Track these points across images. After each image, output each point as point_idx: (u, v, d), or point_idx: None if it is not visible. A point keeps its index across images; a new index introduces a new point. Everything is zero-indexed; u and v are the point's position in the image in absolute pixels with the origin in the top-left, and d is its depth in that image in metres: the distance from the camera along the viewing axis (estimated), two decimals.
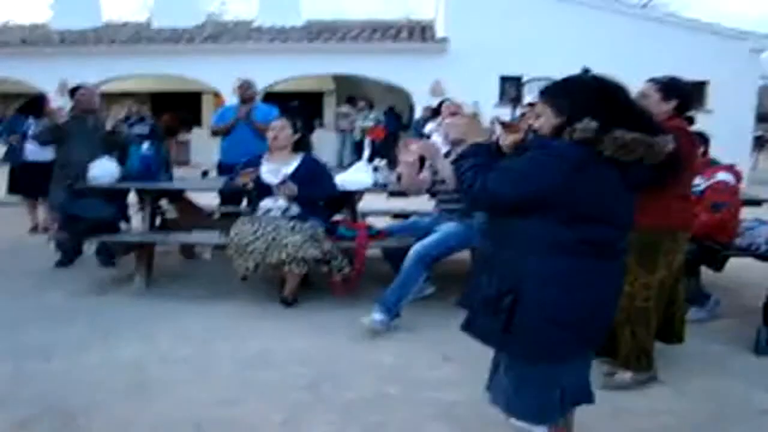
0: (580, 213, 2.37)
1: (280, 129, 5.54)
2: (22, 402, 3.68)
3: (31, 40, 18.56)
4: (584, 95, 2.45)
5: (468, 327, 2.66)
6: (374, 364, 4.26)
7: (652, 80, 3.92)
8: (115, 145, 6.52)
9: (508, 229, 2.49)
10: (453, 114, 5.49)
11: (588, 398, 2.71)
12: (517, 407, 2.60)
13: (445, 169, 5.06)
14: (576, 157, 2.34)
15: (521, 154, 2.53)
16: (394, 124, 18.64)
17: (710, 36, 16.23)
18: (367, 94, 20.14)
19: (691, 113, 4.08)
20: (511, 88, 16.60)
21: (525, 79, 16.30)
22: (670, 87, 3.89)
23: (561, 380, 2.55)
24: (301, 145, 5.66)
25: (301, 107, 18.26)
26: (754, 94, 16.69)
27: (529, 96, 8.31)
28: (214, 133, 7.68)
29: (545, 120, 2.51)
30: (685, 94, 3.92)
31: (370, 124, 17.71)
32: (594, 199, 2.37)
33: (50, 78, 16.74)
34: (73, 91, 6.83)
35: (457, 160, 2.62)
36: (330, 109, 20.51)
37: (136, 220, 7.17)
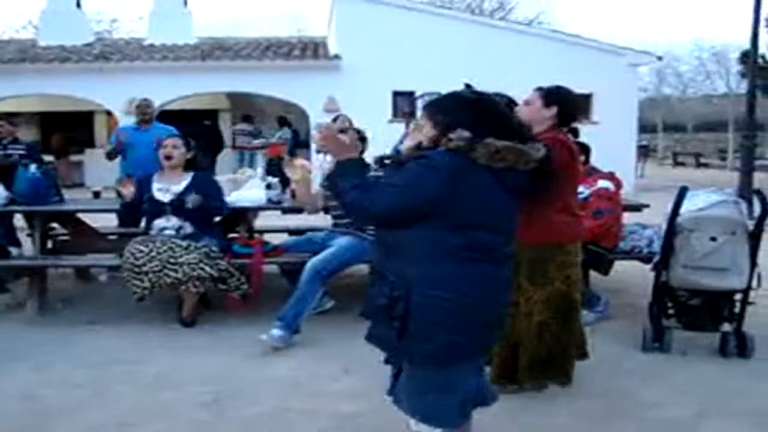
0: (460, 219, 2.49)
1: (173, 147, 5.54)
2: None
3: None
4: (458, 108, 2.60)
5: (369, 337, 2.73)
6: (275, 379, 4.31)
7: (538, 89, 4.10)
8: None
9: (395, 238, 2.59)
10: (341, 132, 5.58)
11: (489, 398, 2.84)
12: (419, 410, 2.68)
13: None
14: (451, 165, 2.46)
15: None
16: (292, 142, 18.63)
17: (591, 51, 17.04)
18: (262, 111, 20.12)
19: (575, 124, 4.26)
20: (404, 103, 16.87)
21: (417, 93, 16.61)
22: (550, 94, 4.04)
23: (458, 383, 2.65)
24: (193, 163, 5.66)
25: (211, 127, 18.08)
26: (634, 105, 17.62)
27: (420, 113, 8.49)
28: (108, 157, 7.58)
29: (425, 132, 2.65)
30: (565, 101, 4.06)
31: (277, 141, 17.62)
32: (473, 206, 2.49)
33: None
34: None
35: (332, 178, 2.73)
36: (225, 126, 20.33)
37: (27, 244, 7.01)
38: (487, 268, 2.56)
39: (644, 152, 24.49)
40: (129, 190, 5.42)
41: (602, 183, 5.58)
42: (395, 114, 16.74)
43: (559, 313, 3.98)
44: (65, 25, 19.00)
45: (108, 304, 6.07)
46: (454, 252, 2.49)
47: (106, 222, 7.35)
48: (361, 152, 5.35)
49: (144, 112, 7.49)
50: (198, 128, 14.70)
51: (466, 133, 2.46)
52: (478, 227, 2.51)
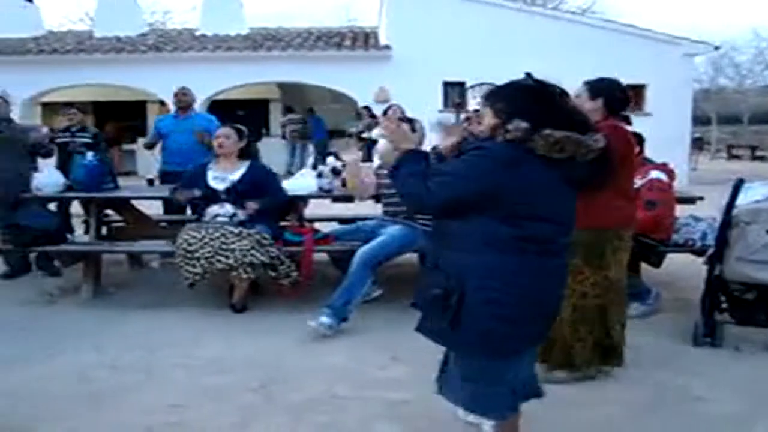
0: (516, 210, 2.46)
1: (225, 136, 5.59)
2: None
3: None
4: (518, 97, 2.56)
5: (421, 327, 2.72)
6: (323, 366, 4.34)
7: (585, 82, 4.09)
8: (35, 148, 6.52)
9: (451, 229, 2.58)
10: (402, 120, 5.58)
11: (536, 393, 2.84)
12: (468, 400, 2.68)
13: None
14: (507, 156, 2.43)
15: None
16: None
17: (646, 41, 16.72)
18: (313, 101, 20.21)
19: (626, 113, 4.23)
20: (454, 93, 16.83)
21: (468, 84, 16.55)
22: (596, 86, 4.06)
23: (508, 375, 2.64)
24: (247, 152, 5.71)
25: (245, 115, 18.24)
26: (689, 97, 17.21)
27: (474, 101, 8.46)
28: (147, 147, 7.72)
29: (486, 122, 2.63)
30: (610, 91, 4.07)
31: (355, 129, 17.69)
32: (529, 197, 2.46)
33: None
34: None
35: (394, 168, 2.71)
36: (276, 116, 20.48)
37: (80, 230, 7.17)
38: (543, 260, 2.53)
39: (698, 145, 24.03)
40: (185, 197, 5.53)
41: (655, 174, 5.50)
42: (446, 104, 16.68)
43: (613, 295, 4.00)
44: (120, 16, 19.25)
45: (160, 289, 6.16)
46: (510, 243, 2.47)
47: (159, 209, 7.49)
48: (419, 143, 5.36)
49: (180, 99, 7.59)
50: (239, 117, 14.96)
51: (524, 124, 2.43)
52: (534, 218, 2.48)
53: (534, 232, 2.49)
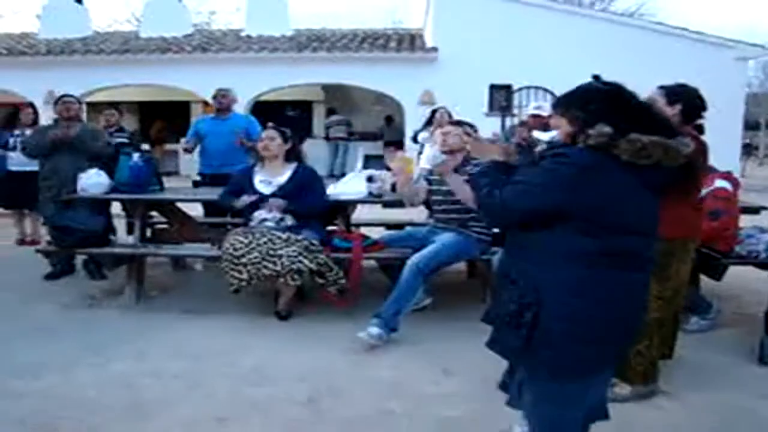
0: (600, 222, 2.30)
1: (270, 139, 5.45)
2: (12, 423, 3.56)
3: (18, 49, 18.39)
4: (595, 101, 2.40)
5: (491, 343, 2.59)
6: (373, 379, 4.17)
7: (661, 87, 3.90)
8: (94, 154, 6.42)
9: (528, 241, 2.43)
10: (452, 124, 5.40)
11: (605, 415, 2.66)
12: (538, 424, 2.54)
13: (452, 181, 5.01)
14: (591, 163, 2.28)
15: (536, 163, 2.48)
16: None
17: (697, 44, 16.32)
18: (356, 103, 20.12)
19: (700, 121, 4.03)
20: (500, 96, 16.59)
21: (515, 87, 16.30)
22: (674, 92, 3.88)
23: (583, 397, 2.49)
24: (294, 154, 5.57)
25: (289, 117, 18.24)
26: (741, 102, 16.76)
27: (533, 107, 8.26)
28: (186, 150, 7.63)
29: (562, 130, 2.47)
30: (689, 98, 3.90)
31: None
32: (613, 207, 2.30)
33: (37, 88, 16.57)
34: (57, 101, 6.72)
35: (475, 176, 2.60)
36: (319, 118, 20.42)
37: (121, 231, 7.10)
38: (627, 275, 2.36)
39: (746, 151, 23.50)
40: (242, 203, 5.37)
41: (719, 182, 5.27)
42: (491, 107, 16.42)
43: (672, 310, 3.90)
44: (167, 17, 19.33)
45: (203, 293, 6.05)
46: (592, 257, 2.30)
47: (198, 211, 7.40)
48: None
49: (220, 101, 7.46)
50: (282, 118, 14.90)
51: (607, 128, 2.27)
52: (618, 230, 2.32)
53: (619, 244, 2.33)
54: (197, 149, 7.57)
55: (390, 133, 18.94)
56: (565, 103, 2.49)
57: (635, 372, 3.82)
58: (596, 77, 2.52)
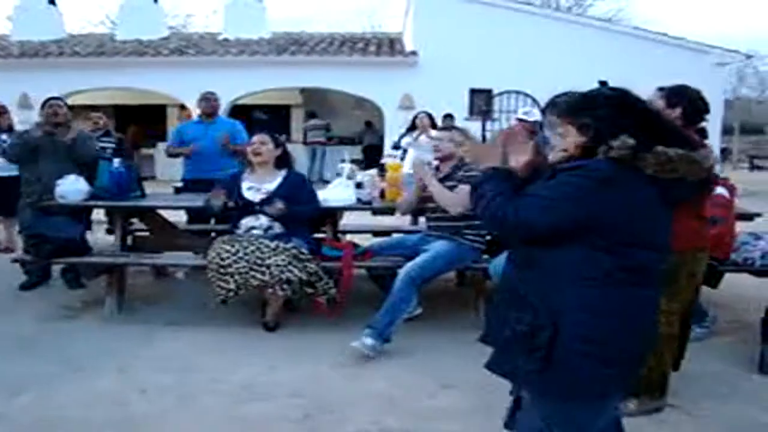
0: (619, 237, 2.17)
1: (261, 143, 5.28)
2: None
3: None
4: (604, 107, 2.26)
5: (493, 365, 2.43)
6: (368, 393, 4.02)
7: (660, 89, 3.78)
8: (84, 161, 6.20)
9: (541, 257, 2.28)
10: (443, 129, 5.29)
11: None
12: None
13: (434, 187, 4.90)
14: (614, 176, 2.14)
15: (544, 177, 2.34)
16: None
17: (676, 49, 16.43)
18: (335, 107, 19.98)
19: (703, 124, 3.93)
20: (480, 101, 16.54)
21: (495, 92, 16.26)
22: (674, 93, 3.75)
23: (598, 420, 2.35)
24: (285, 160, 5.40)
25: (268, 120, 18.04)
26: (719, 107, 16.81)
27: (521, 111, 8.18)
28: (170, 155, 7.41)
29: (569, 140, 2.31)
30: (691, 101, 3.76)
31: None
32: (635, 221, 2.18)
33: (10, 91, 16.26)
34: (44, 104, 6.48)
35: (475, 185, 2.44)
36: (298, 122, 20.24)
37: (101, 237, 6.88)
38: (643, 291, 2.23)
39: (724, 156, 23.68)
40: (221, 200, 5.18)
41: (718, 189, 5.17)
42: (471, 112, 16.36)
43: (683, 324, 3.80)
44: (142, 19, 19.17)
45: (186, 303, 5.85)
46: (610, 274, 2.17)
47: (177, 217, 7.18)
48: None
49: (210, 105, 7.26)
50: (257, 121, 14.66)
51: (631, 140, 2.14)
52: (635, 245, 2.19)
53: (636, 260, 2.19)
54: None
55: (370, 138, 18.82)
56: (571, 110, 2.33)
57: (644, 386, 3.70)
58: (603, 83, 2.40)
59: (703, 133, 3.94)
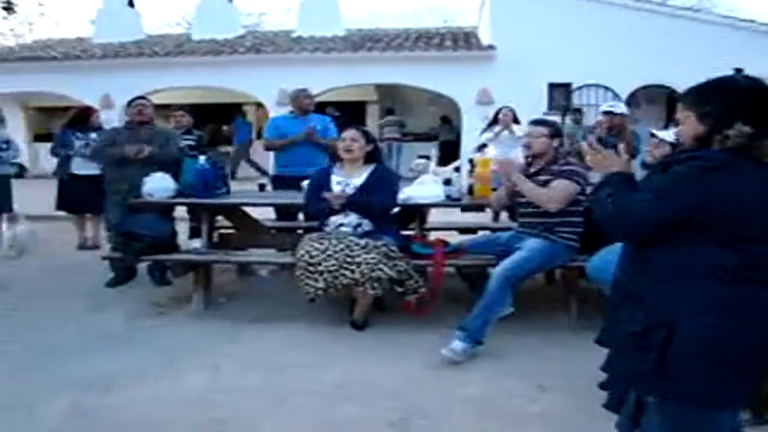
0: (737, 232, 2.04)
1: (353, 141, 5.17)
2: None
3: (73, 54, 18.50)
4: (734, 98, 2.13)
5: (609, 367, 2.34)
6: (464, 397, 3.88)
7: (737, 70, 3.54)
8: (170, 159, 6.23)
9: (655, 255, 2.16)
10: (535, 123, 5.08)
11: None
12: None
13: (524, 184, 4.74)
14: (726, 166, 2.03)
15: (657, 170, 2.25)
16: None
17: (766, 36, 15.63)
18: (410, 103, 19.85)
19: None
20: (559, 95, 16.16)
21: (574, 85, 15.88)
22: None
23: (720, 427, 2.19)
24: (374, 156, 5.29)
25: (342, 117, 18.00)
26: None
27: (607, 105, 7.95)
28: (268, 148, 7.35)
29: (687, 128, 2.21)
30: None
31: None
32: (752, 216, 2.04)
33: (93, 91, 16.67)
34: (129, 104, 6.53)
35: (596, 188, 2.36)
36: (372, 119, 20.17)
37: (183, 233, 6.91)
38: (765, 291, 2.07)
39: None
40: (340, 199, 5.04)
41: None
42: (550, 107, 15.95)
43: None
44: (218, 19, 19.40)
45: (271, 300, 5.82)
46: (732, 272, 2.04)
47: (261, 214, 7.13)
48: (560, 146, 4.88)
49: (304, 102, 7.18)
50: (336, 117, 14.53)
51: (747, 128, 2.02)
52: (753, 240, 2.05)
53: (756, 256, 2.06)
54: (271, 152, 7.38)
55: (446, 134, 18.62)
56: (697, 97, 2.22)
57: (761, 397, 3.47)
58: (738, 70, 2.23)
59: None
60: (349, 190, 5.05)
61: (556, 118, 14.36)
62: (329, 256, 4.70)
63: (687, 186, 2.06)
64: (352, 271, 4.65)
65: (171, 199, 5.89)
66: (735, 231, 2.04)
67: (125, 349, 4.70)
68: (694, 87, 2.27)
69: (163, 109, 9.62)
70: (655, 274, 2.17)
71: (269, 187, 7.20)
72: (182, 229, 7.14)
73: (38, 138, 20.00)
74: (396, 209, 5.40)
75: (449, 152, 14.92)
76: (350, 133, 5.23)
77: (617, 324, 2.28)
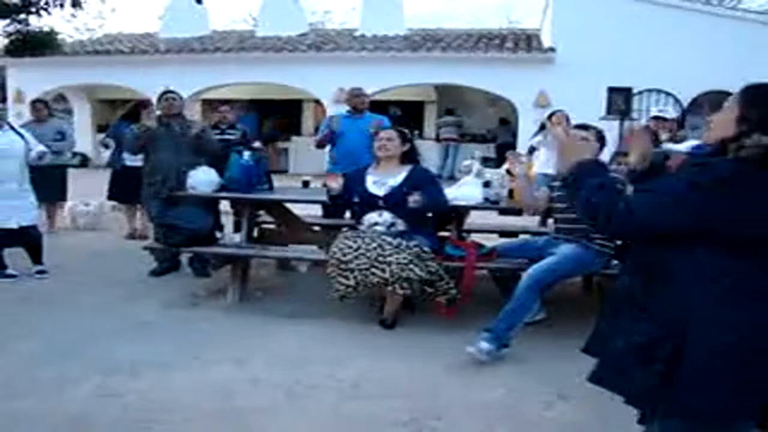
0: (745, 240, 1.97)
1: (388, 139, 5.21)
2: (105, 422, 3.50)
3: (139, 48, 18.93)
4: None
5: (601, 380, 2.24)
6: (481, 401, 3.86)
7: None
8: (202, 151, 6.37)
9: (662, 261, 2.09)
10: (579, 128, 5.02)
11: None
12: None
13: (519, 183, 4.71)
14: (739, 175, 1.96)
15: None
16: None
17: None
18: (468, 103, 19.75)
19: None
20: (619, 99, 15.86)
21: (635, 90, 15.59)
22: None
23: None
24: (411, 156, 5.31)
25: (402, 116, 18.00)
26: None
27: (657, 110, 7.82)
28: (318, 145, 7.46)
29: (721, 128, 2.12)
30: None
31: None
32: (762, 225, 1.96)
33: (156, 85, 16.95)
34: (160, 98, 6.69)
35: (571, 181, 2.26)
36: (431, 119, 20.14)
37: (229, 228, 7.03)
38: None
39: None
40: (338, 183, 5.18)
41: None
42: (609, 111, 15.68)
43: None
44: (283, 16, 19.54)
45: (306, 296, 5.87)
46: (744, 281, 1.97)
47: (310, 211, 7.23)
48: (601, 149, 4.78)
49: (357, 100, 7.25)
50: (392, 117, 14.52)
51: (766, 139, 1.95)
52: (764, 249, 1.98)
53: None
54: (327, 149, 7.48)
55: (504, 136, 18.48)
56: (752, 98, 2.09)
57: None
58: None
59: None
60: (386, 190, 5.08)
61: (613, 123, 14.25)
62: (361, 254, 4.72)
63: (694, 194, 1.98)
64: (383, 270, 4.67)
65: (214, 193, 5.99)
66: (742, 240, 1.98)
67: (156, 337, 4.81)
68: (753, 85, 2.15)
69: (224, 104, 9.76)
70: (663, 282, 2.09)
71: (315, 184, 7.26)
72: (228, 223, 7.30)
73: (102, 129, 20.49)
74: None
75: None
76: (385, 132, 5.29)
77: (616, 334, 2.18)
